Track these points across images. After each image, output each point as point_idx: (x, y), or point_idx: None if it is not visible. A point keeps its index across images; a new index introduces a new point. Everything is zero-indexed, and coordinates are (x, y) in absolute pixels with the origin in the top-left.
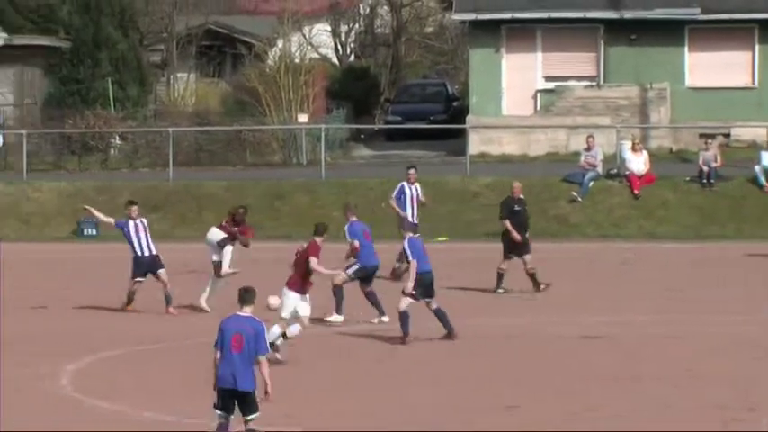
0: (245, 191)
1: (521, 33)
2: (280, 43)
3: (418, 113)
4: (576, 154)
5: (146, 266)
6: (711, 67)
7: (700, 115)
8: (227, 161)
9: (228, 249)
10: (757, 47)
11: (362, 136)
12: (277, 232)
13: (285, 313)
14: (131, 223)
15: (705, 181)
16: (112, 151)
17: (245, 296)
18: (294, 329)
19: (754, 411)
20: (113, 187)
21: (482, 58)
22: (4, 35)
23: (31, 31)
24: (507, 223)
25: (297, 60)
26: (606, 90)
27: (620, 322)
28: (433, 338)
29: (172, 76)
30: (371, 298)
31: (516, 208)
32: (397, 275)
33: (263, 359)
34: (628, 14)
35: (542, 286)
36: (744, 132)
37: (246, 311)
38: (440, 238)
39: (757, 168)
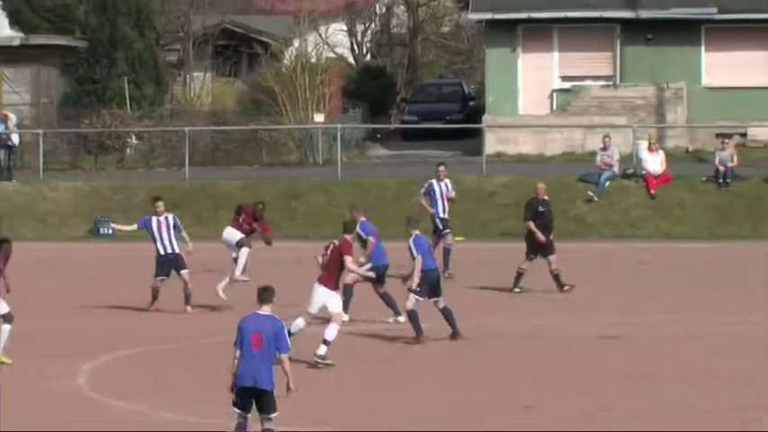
0: (261, 190)
1: (537, 33)
2: (296, 43)
3: (434, 113)
4: (593, 154)
5: (167, 265)
6: (728, 67)
7: (716, 115)
8: (244, 161)
9: (244, 252)
10: None
11: (378, 135)
12: (293, 232)
13: (313, 309)
14: (154, 221)
15: (721, 181)
16: (129, 151)
17: (264, 295)
18: (299, 324)
19: None
20: (129, 187)
21: (498, 57)
22: (21, 35)
23: (47, 30)
24: (531, 224)
25: (313, 60)
26: (622, 90)
27: (637, 322)
28: (438, 339)
29: (188, 76)
30: (386, 299)
31: (540, 209)
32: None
33: (284, 357)
34: (644, 14)
35: (566, 287)
36: (760, 132)
37: (266, 310)
38: (456, 238)
39: None
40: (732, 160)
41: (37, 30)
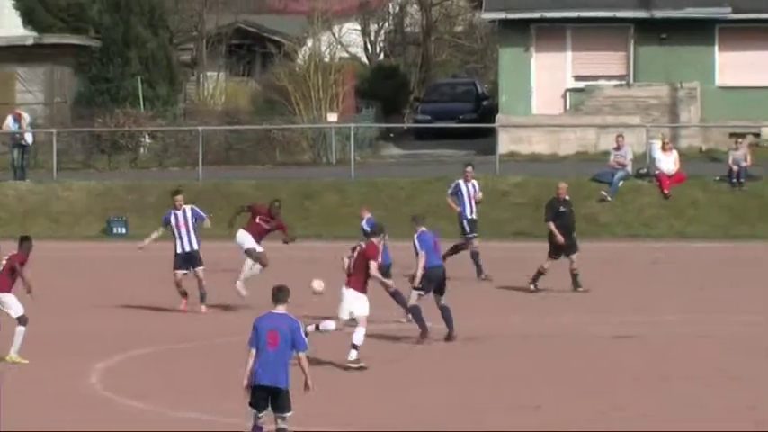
0: (274, 190)
1: (550, 32)
2: (309, 42)
3: (448, 112)
4: (606, 153)
5: (182, 262)
6: (741, 67)
7: (730, 114)
8: (257, 160)
9: (249, 263)
10: None
11: (392, 135)
12: (307, 231)
13: (343, 314)
14: (173, 216)
15: (735, 180)
16: (142, 150)
17: (279, 295)
18: (329, 325)
19: None
20: (143, 186)
21: (512, 57)
22: (35, 34)
23: (61, 29)
24: (552, 225)
25: (326, 59)
26: (636, 89)
27: (651, 322)
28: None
29: (201, 75)
30: (397, 297)
31: (562, 209)
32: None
33: (302, 355)
34: (658, 14)
35: (581, 289)
36: None
37: (280, 309)
38: None
39: None
40: (746, 160)
41: (50, 29)
